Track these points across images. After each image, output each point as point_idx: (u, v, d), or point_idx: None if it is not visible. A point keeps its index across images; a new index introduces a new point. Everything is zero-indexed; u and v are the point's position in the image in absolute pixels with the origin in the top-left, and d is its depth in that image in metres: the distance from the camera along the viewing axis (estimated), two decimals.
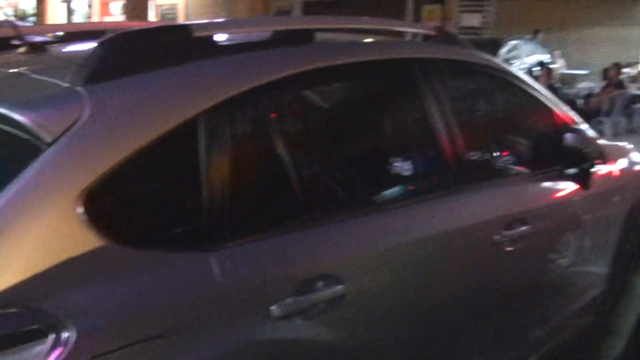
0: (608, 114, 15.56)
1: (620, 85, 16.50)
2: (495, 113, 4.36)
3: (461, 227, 3.34)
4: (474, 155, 3.69)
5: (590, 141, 4.09)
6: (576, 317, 4.44)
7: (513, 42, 19.34)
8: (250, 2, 27.30)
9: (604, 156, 4.46)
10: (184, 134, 2.45)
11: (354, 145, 3.28)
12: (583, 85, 18.73)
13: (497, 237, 3.48)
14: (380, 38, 3.74)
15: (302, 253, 2.69)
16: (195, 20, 28.19)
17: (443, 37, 3.86)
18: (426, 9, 25.89)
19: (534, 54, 20.02)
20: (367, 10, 25.65)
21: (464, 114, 3.74)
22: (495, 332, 3.68)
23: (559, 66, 20.59)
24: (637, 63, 21.50)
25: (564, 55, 22.76)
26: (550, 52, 21.35)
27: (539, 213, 3.87)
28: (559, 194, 4.11)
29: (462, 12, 25.49)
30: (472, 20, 25.32)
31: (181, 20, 29.42)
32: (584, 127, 4.22)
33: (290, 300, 2.52)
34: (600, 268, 4.58)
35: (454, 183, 3.41)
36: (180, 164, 2.52)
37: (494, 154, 3.88)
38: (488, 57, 4.05)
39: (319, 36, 3.18)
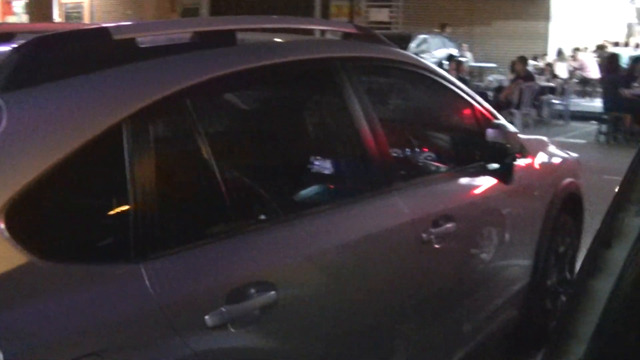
0: (518, 106, 15.94)
1: (529, 77, 16.92)
2: (419, 111, 4.40)
3: (390, 226, 3.35)
4: (400, 154, 3.72)
5: (512, 136, 4.16)
6: (501, 311, 4.52)
7: (422, 37, 19.65)
8: (156, 0, 26.95)
9: (525, 150, 4.55)
10: (108, 141, 2.37)
11: (280, 149, 3.25)
12: (492, 78, 19.12)
13: (425, 235, 3.50)
14: (304, 37, 3.72)
15: (233, 260, 2.64)
16: (103, 20, 27.75)
17: (364, 35, 3.86)
18: (334, 4, 26.07)
19: (442, 47, 20.39)
20: (275, 6, 25.63)
21: (389, 113, 3.76)
22: (427, 329, 3.71)
23: (467, 59, 20.98)
24: (545, 55, 22.13)
25: (471, 49, 23.25)
26: (458, 46, 21.77)
27: (464, 209, 3.92)
28: (483, 190, 4.17)
29: (371, 7, 25.77)
30: (381, 15, 25.62)
31: (86, 19, 28.84)
32: (505, 122, 4.29)
33: (224, 309, 2.47)
34: (523, 261, 4.68)
35: (382, 183, 3.41)
36: (105, 173, 2.44)
37: (419, 152, 3.91)
38: (410, 54, 4.08)
39: (242, 37, 3.13)
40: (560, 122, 18.38)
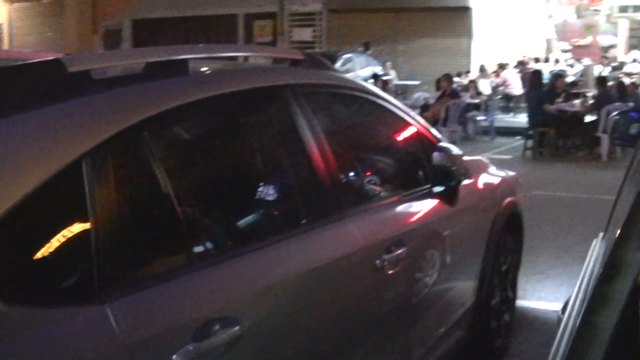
0: (445, 123, 16.21)
1: (454, 94, 17.24)
2: (367, 136, 4.45)
3: (346, 254, 3.37)
4: (352, 180, 3.75)
5: (457, 158, 4.24)
6: (451, 332, 4.59)
7: (347, 56, 19.81)
8: (77, 21, 26.62)
9: (468, 172, 4.64)
10: (67, 179, 2.32)
11: (236, 179, 3.25)
12: (418, 96, 19.42)
13: (378, 261, 3.54)
14: (254, 65, 3.73)
15: (197, 296, 2.62)
16: (23, 42, 27.19)
17: (311, 61, 3.89)
18: (258, 24, 26.15)
19: (367, 66, 20.61)
20: (199, 28, 25.62)
21: (339, 138, 3.78)
22: (382, 353, 3.74)
23: (391, 77, 21.27)
24: (468, 72, 22.58)
25: (395, 67, 23.58)
26: (382, 64, 22.04)
27: (414, 234, 3.98)
28: (431, 213, 4.24)
29: (294, 26, 25.91)
30: (304, 34, 25.79)
31: (5, 41, 28.24)
32: (449, 144, 4.37)
33: (191, 346, 2.45)
34: (470, 281, 4.77)
35: (335, 210, 3.43)
36: (65, 212, 2.39)
37: (369, 177, 3.95)
38: (355, 80, 4.12)
39: (193, 65, 3.12)
40: (486, 138, 18.80)
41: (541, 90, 16.63)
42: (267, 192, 3.28)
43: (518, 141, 17.62)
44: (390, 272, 3.62)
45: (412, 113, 4.56)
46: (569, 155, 16.13)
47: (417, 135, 4.45)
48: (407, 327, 4.02)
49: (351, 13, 24.78)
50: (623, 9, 30.34)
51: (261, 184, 3.33)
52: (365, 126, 4.45)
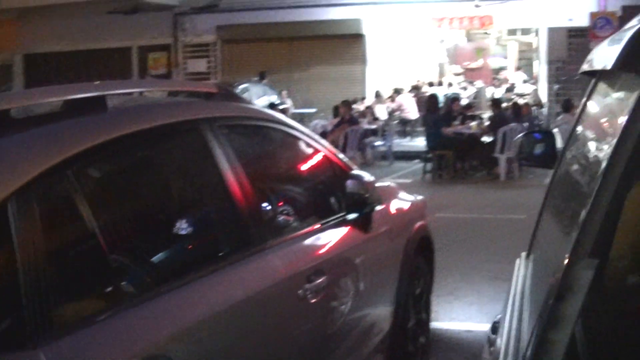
0: (344, 149, 16.42)
1: (353, 121, 17.51)
2: (283, 167, 4.54)
3: (269, 285, 3.44)
4: (271, 211, 3.82)
5: (369, 185, 4.36)
6: (370, 357, 4.68)
7: (243, 86, 19.88)
8: None
9: (380, 198, 4.76)
10: None
11: (158, 217, 3.27)
12: (315, 123, 19.63)
13: (301, 291, 3.61)
14: (170, 99, 3.77)
15: (129, 336, 2.64)
16: None
17: (224, 94, 3.95)
18: (152, 56, 26.01)
19: (263, 95, 20.71)
20: (92, 61, 25.28)
21: (256, 171, 3.85)
22: None
23: (288, 106, 21.44)
24: (363, 98, 22.97)
25: (291, 95, 23.79)
26: (278, 93, 22.20)
27: (333, 262, 4.07)
28: (347, 241, 4.34)
29: (188, 58, 25.87)
30: (199, 65, 25.78)
31: None
32: (362, 172, 4.49)
33: None
34: (387, 306, 4.89)
35: (257, 242, 3.49)
36: None
37: (288, 208, 4.03)
38: (269, 111, 4.21)
39: (111, 101, 3.15)
40: (385, 163, 19.14)
41: (438, 114, 17.09)
42: (191, 228, 3.32)
43: (417, 165, 18.03)
44: (313, 301, 3.71)
45: (324, 142, 4.67)
46: (468, 176, 16.58)
47: (330, 164, 4.56)
48: (330, 354, 4.10)
49: (245, 43, 24.93)
50: (511, 32, 31.43)
51: (184, 220, 3.36)
52: (280, 157, 4.53)
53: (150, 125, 3.16)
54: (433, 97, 18.21)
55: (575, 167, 2.70)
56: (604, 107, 2.36)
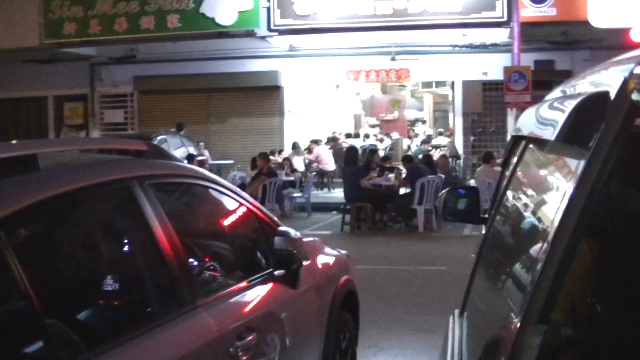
0: (262, 201, 16.44)
1: (271, 173, 17.58)
2: (212, 225, 4.57)
3: (202, 344, 3.45)
4: (201, 271, 3.84)
5: (297, 242, 4.41)
6: None
7: (161, 137, 19.79)
8: None
9: (307, 254, 4.82)
10: None
11: (88, 278, 3.26)
12: (233, 175, 19.65)
13: (232, 349, 3.63)
14: (102, 157, 3.78)
15: None
16: None
17: (153, 152, 3.98)
18: (68, 106, 25.73)
19: (181, 146, 20.64)
20: (7, 110, 24.91)
21: (187, 229, 3.88)
22: None
23: (206, 157, 21.41)
24: (281, 150, 23.10)
25: (208, 147, 23.78)
26: (196, 144, 22.16)
27: (262, 319, 4.10)
28: (276, 297, 4.38)
29: (105, 108, 25.67)
30: (116, 116, 25.59)
31: None
32: (289, 229, 4.55)
33: None
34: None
35: (189, 301, 3.50)
36: None
37: (216, 266, 4.05)
38: (197, 168, 4.24)
39: (42, 160, 3.14)
40: (303, 214, 19.24)
41: (357, 166, 17.26)
42: (122, 289, 3.31)
43: (335, 216, 18.17)
44: (244, 358, 3.72)
45: (251, 199, 4.72)
46: (387, 228, 16.77)
47: (257, 220, 4.61)
48: None
49: (162, 94, 24.90)
50: (427, 85, 32.17)
51: (114, 280, 3.35)
52: (209, 214, 4.57)
53: (83, 185, 3.17)
54: (352, 150, 18.43)
55: (513, 228, 2.78)
56: (542, 171, 2.45)
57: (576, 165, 1.79)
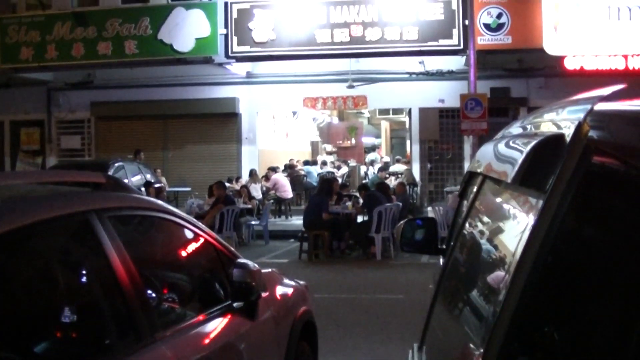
0: (220, 229, 16.38)
1: (228, 201, 17.51)
2: (171, 257, 4.55)
3: None
4: (160, 303, 3.82)
5: (255, 274, 4.41)
6: None
7: (118, 164, 19.67)
8: None
9: (265, 285, 4.82)
10: None
11: (44, 312, 3.23)
12: (190, 202, 19.55)
13: None
14: (59, 189, 3.75)
15: None
16: None
17: (112, 184, 3.97)
18: (25, 131, 25.47)
19: (138, 173, 20.53)
20: None
21: (145, 261, 3.86)
22: None
23: (163, 185, 21.29)
24: (239, 178, 23.06)
25: (165, 174, 23.66)
26: (153, 171, 22.04)
27: (221, 351, 4.09)
28: (234, 329, 4.38)
29: (62, 134, 25.45)
30: (72, 142, 25.38)
31: None
32: (247, 260, 4.55)
33: None
34: None
35: (147, 334, 3.48)
36: None
37: (176, 298, 4.04)
38: (156, 200, 4.24)
39: None
40: (261, 242, 19.18)
41: (323, 197, 17.11)
42: (80, 321, 3.28)
43: (292, 244, 18.16)
44: None
45: (208, 230, 4.71)
46: (345, 256, 16.75)
47: (216, 252, 4.61)
48: None
49: (119, 120, 24.77)
50: (383, 112, 32.38)
51: (72, 312, 3.32)
52: (168, 246, 4.55)
53: (40, 218, 3.14)
54: (329, 181, 18.27)
55: (473, 260, 2.81)
56: (502, 206, 2.49)
57: (534, 203, 1.82)
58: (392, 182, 21.82)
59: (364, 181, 24.37)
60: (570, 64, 19.25)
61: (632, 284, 1.51)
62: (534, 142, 1.82)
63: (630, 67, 19.09)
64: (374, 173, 26.91)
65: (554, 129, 1.95)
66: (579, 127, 1.72)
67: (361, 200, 17.47)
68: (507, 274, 1.81)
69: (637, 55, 19.10)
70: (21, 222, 3.01)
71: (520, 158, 1.82)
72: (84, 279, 3.57)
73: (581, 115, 1.76)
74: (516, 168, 1.82)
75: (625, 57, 19.15)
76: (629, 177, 1.60)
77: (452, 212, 13.53)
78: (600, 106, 1.82)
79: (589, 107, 1.80)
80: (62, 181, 3.92)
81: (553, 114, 2.17)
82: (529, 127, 2.40)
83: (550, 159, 1.74)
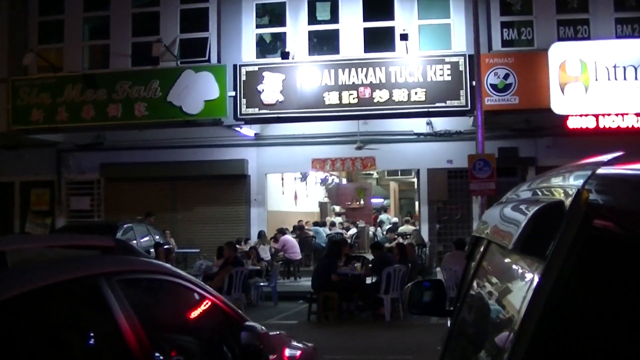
0: (229, 290, 16.35)
1: (237, 262, 17.50)
2: (179, 320, 4.57)
3: None
4: None
5: (264, 337, 4.42)
6: None
7: (127, 225, 19.74)
8: None
9: (274, 348, 4.82)
10: None
11: None
12: (199, 264, 19.53)
13: None
14: (68, 254, 3.79)
15: None
16: None
17: (121, 248, 4.01)
18: (34, 192, 25.58)
19: (147, 235, 20.57)
20: None
21: (154, 325, 3.88)
22: None
23: (172, 246, 21.32)
24: (248, 239, 23.05)
25: (174, 235, 23.67)
26: (162, 233, 22.07)
27: None
28: None
29: (71, 195, 25.55)
30: (82, 203, 25.44)
31: None
32: (256, 324, 4.56)
33: None
34: None
35: None
36: None
37: None
38: (164, 264, 4.28)
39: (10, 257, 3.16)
40: (270, 303, 19.10)
41: (332, 259, 17.15)
42: None
43: (301, 305, 18.07)
44: None
45: (217, 293, 4.74)
46: (354, 317, 16.67)
47: (224, 315, 4.62)
48: None
49: (128, 182, 24.85)
50: (392, 173, 32.50)
51: None
52: (176, 309, 4.57)
53: (50, 282, 3.18)
54: (337, 243, 18.45)
55: (479, 322, 2.83)
56: (506, 269, 2.52)
57: (536, 267, 1.86)
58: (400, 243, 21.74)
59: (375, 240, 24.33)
60: (573, 124, 19.34)
61: (634, 349, 1.53)
62: (534, 210, 1.86)
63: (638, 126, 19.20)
64: (382, 234, 26.88)
65: (558, 194, 1.99)
66: (578, 194, 1.76)
67: (370, 260, 17.44)
68: (512, 334, 1.84)
69: None
70: (31, 286, 3.05)
71: (521, 225, 1.86)
72: (93, 343, 3.59)
73: (581, 182, 1.80)
74: (517, 235, 1.85)
75: (638, 115, 19.22)
76: (630, 242, 1.63)
77: (452, 270, 13.46)
78: (601, 172, 1.86)
79: (589, 172, 1.84)
80: (71, 245, 3.96)
81: (559, 179, 2.22)
82: (535, 191, 2.44)
83: (551, 225, 1.78)
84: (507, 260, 2.49)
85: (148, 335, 3.59)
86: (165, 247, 19.13)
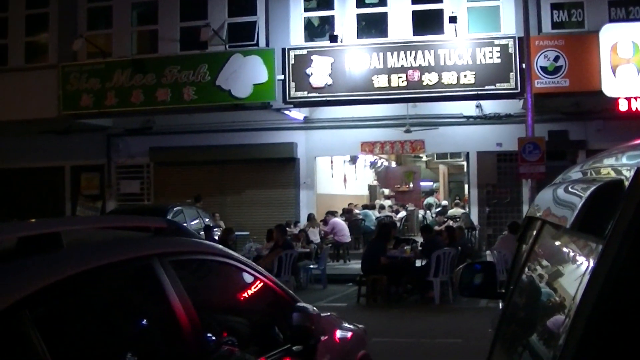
0: (278, 273, 16.42)
1: (287, 245, 17.56)
2: (231, 300, 4.61)
3: None
4: (219, 346, 3.87)
5: (314, 318, 4.44)
6: None
7: (177, 208, 19.91)
8: None
9: (325, 330, 4.84)
10: None
11: (111, 355, 3.29)
12: (249, 247, 19.64)
13: None
14: (122, 235, 3.83)
15: None
16: None
17: (173, 229, 4.05)
18: (85, 176, 25.94)
19: (197, 218, 20.73)
20: (25, 180, 25.09)
21: (206, 304, 3.92)
22: None
23: (222, 229, 21.46)
24: (297, 222, 23.12)
25: (223, 218, 23.82)
26: (211, 216, 22.22)
27: None
28: None
29: (121, 179, 25.86)
30: (132, 187, 25.74)
31: None
32: (306, 304, 4.58)
33: None
34: None
35: None
36: None
37: (234, 341, 4.08)
38: (215, 245, 4.31)
39: (65, 238, 3.21)
40: (319, 286, 19.15)
41: (381, 241, 17.15)
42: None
43: (350, 288, 18.10)
44: None
45: (268, 274, 4.76)
46: (403, 300, 16.67)
47: (276, 296, 4.65)
48: None
49: (177, 165, 25.07)
50: (441, 156, 32.31)
51: (134, 357, 3.38)
52: (227, 290, 4.61)
53: (105, 262, 3.23)
54: (386, 226, 18.40)
55: (532, 305, 2.81)
56: (561, 250, 2.49)
57: (593, 248, 1.83)
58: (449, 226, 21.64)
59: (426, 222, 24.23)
60: (623, 107, 19.04)
61: None
62: (592, 188, 1.83)
63: None
64: (432, 217, 26.77)
65: (613, 174, 1.96)
66: (638, 172, 1.73)
67: (419, 243, 17.38)
68: (567, 318, 1.82)
69: None
70: (86, 266, 3.09)
71: (579, 204, 1.84)
72: (145, 323, 3.64)
73: (638, 160, 1.78)
74: (575, 214, 1.83)
75: None
76: None
77: (501, 254, 13.33)
78: None
79: None
80: (124, 226, 4.01)
81: (612, 159, 2.18)
82: (588, 172, 2.41)
83: (609, 204, 1.75)
84: (561, 241, 2.46)
85: (200, 315, 3.62)
86: (215, 229, 19.29)
